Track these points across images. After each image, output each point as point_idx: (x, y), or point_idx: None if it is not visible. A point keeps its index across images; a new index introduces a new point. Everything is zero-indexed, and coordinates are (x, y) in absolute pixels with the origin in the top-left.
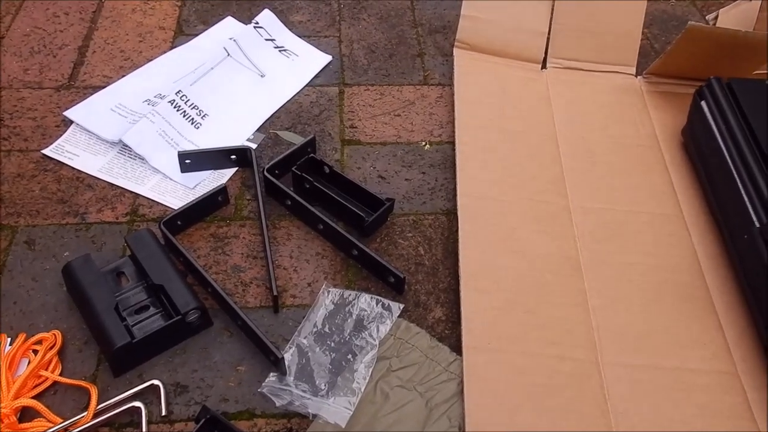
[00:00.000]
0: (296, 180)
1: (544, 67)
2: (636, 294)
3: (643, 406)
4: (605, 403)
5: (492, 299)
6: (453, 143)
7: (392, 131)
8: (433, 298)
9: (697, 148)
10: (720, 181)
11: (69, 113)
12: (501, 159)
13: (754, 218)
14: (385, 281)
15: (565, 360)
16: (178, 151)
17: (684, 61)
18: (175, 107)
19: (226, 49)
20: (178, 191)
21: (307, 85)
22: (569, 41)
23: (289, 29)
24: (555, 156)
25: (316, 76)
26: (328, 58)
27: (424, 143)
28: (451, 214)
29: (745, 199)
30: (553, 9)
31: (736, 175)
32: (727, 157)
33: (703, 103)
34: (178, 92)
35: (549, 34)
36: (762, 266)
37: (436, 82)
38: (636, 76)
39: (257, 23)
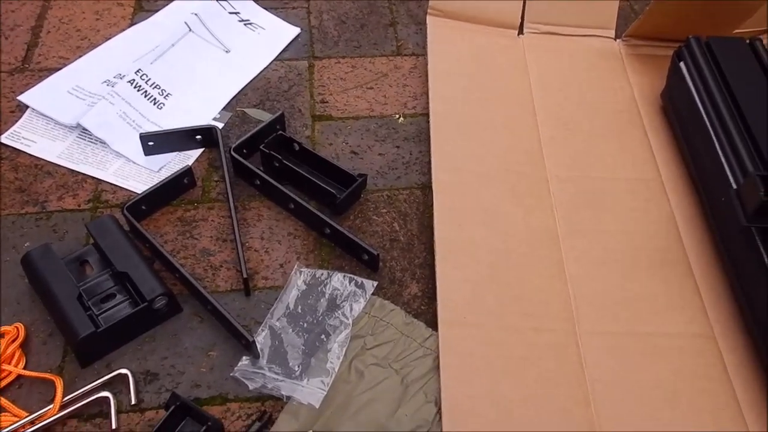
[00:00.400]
0: (265, 159)
1: (520, 32)
2: (614, 262)
3: (620, 372)
4: (582, 372)
5: (468, 273)
6: (427, 115)
7: (365, 105)
8: (408, 274)
9: (675, 110)
10: (699, 144)
11: (24, 98)
12: (476, 130)
13: (732, 180)
14: (360, 259)
15: (542, 331)
16: (140, 133)
17: (663, 22)
18: (135, 87)
19: (187, 25)
20: (142, 175)
21: (274, 60)
22: (546, 5)
23: (255, 1)
24: (532, 125)
25: (284, 50)
26: (296, 30)
27: (397, 116)
28: (427, 188)
29: (723, 161)
30: None
31: (714, 137)
32: (705, 119)
33: (681, 64)
34: (138, 71)
35: None
36: (738, 229)
37: (409, 52)
38: (615, 39)
39: None
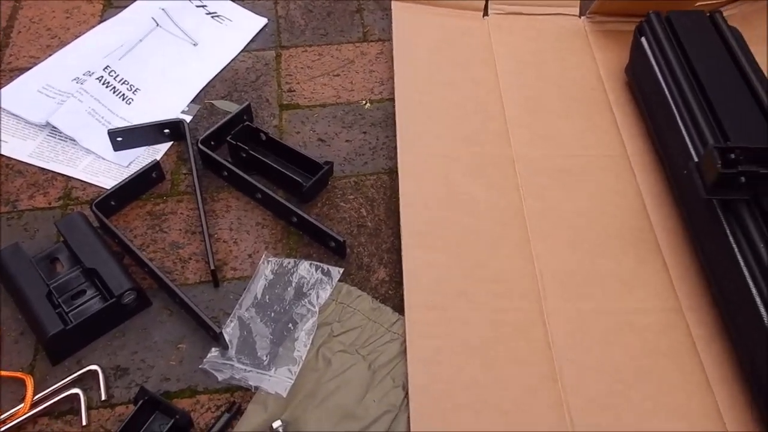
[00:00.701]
0: (232, 150)
1: (485, 14)
2: (580, 239)
3: (588, 349)
4: (549, 351)
5: (434, 256)
6: (394, 100)
7: (331, 92)
8: (376, 260)
9: (639, 85)
10: (661, 118)
11: None
12: (442, 113)
13: (693, 153)
14: (327, 246)
15: (509, 311)
16: (108, 129)
17: None
18: (103, 84)
19: (155, 20)
20: (111, 171)
21: (242, 51)
22: None
23: None
24: (498, 106)
25: (251, 41)
26: (263, 20)
27: (364, 102)
28: (393, 173)
29: (685, 134)
30: None
31: (675, 110)
32: (667, 93)
33: (643, 39)
34: (106, 68)
35: None
36: (698, 201)
37: (375, 38)
38: (580, 16)
39: None
